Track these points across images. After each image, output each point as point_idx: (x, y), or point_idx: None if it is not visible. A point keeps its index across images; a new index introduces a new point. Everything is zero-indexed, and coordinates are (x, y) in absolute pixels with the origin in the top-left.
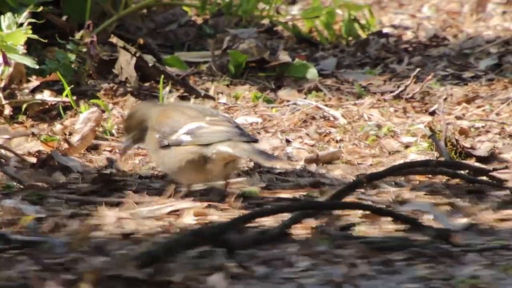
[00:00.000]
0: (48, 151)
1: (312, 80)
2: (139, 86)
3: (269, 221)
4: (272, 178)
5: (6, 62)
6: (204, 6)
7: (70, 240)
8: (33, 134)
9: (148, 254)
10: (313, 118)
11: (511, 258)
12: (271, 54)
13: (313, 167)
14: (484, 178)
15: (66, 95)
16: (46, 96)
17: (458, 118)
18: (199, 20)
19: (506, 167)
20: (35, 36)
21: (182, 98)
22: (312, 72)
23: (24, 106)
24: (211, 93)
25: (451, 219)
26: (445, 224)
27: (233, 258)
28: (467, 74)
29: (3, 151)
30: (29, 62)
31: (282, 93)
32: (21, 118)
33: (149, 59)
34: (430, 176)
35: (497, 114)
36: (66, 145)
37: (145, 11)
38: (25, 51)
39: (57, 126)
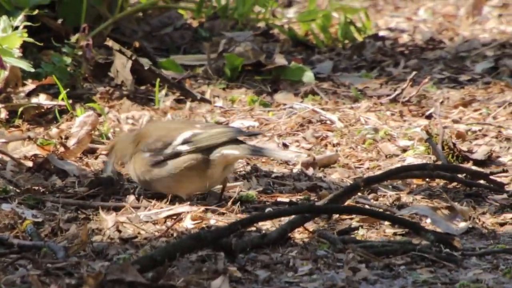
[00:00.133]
0: (44, 155)
1: (308, 84)
2: (135, 90)
3: (267, 225)
4: (269, 182)
5: (2, 66)
6: (199, 9)
7: (69, 245)
8: (29, 138)
9: (149, 258)
10: (310, 121)
11: None
12: (267, 57)
13: (310, 171)
14: (482, 181)
15: (62, 99)
16: (42, 99)
17: (455, 121)
18: (195, 23)
19: (504, 171)
20: (30, 40)
21: (178, 101)
22: (308, 76)
23: (20, 109)
24: (207, 96)
25: (449, 223)
26: (443, 228)
27: (234, 262)
28: (463, 77)
29: None
30: (25, 65)
31: (279, 97)
32: (17, 122)
33: (145, 62)
34: (427, 179)
35: (494, 117)
36: (62, 149)
37: (140, 14)
38: (20, 54)
39: (53, 130)
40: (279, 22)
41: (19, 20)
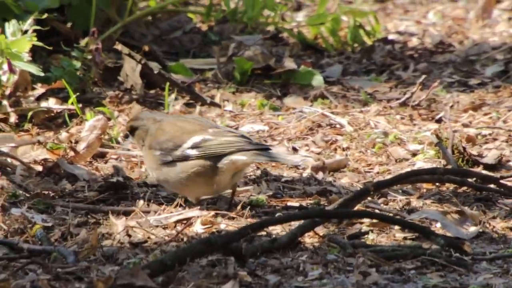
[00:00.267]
0: (54, 159)
1: (318, 87)
2: (144, 94)
3: (277, 230)
4: (279, 186)
5: (11, 70)
6: (209, 13)
7: (79, 249)
8: (39, 142)
9: (159, 263)
10: (319, 125)
11: None
12: (277, 61)
13: (320, 175)
14: (492, 186)
15: (72, 103)
16: (52, 103)
17: (465, 125)
18: (204, 27)
19: None
20: (40, 43)
21: (187, 105)
22: (318, 79)
23: (30, 114)
24: (217, 100)
25: (460, 227)
26: (453, 233)
27: (244, 267)
28: (473, 81)
29: (9, 160)
30: (34, 69)
31: (288, 101)
32: (27, 126)
33: (155, 66)
34: (437, 184)
35: (504, 121)
36: (72, 153)
37: (150, 18)
38: (30, 58)
39: (63, 134)
40: (288, 26)
41: (29, 24)
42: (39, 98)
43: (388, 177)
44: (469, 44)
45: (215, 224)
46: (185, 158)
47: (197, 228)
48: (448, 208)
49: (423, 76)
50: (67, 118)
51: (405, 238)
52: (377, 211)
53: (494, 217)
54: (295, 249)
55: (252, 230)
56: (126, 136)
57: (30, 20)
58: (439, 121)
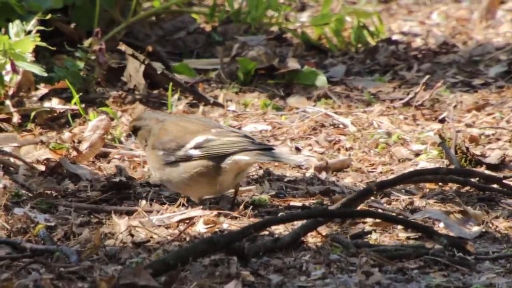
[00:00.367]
0: (57, 159)
1: (321, 88)
2: (147, 94)
3: (280, 229)
4: (282, 186)
5: (15, 70)
6: (213, 14)
7: (82, 249)
8: (42, 142)
9: (161, 262)
10: (323, 125)
11: None
12: (280, 61)
13: (323, 175)
14: (495, 185)
15: (75, 103)
16: (55, 104)
17: (468, 125)
18: (208, 28)
19: None
20: (43, 44)
21: (191, 105)
22: (321, 79)
23: (33, 114)
24: (220, 100)
25: (463, 227)
26: (456, 232)
27: (247, 267)
28: (476, 81)
29: (12, 159)
30: (38, 69)
31: (291, 101)
32: (30, 126)
33: (158, 66)
34: (440, 184)
35: (507, 121)
36: (75, 153)
37: (153, 18)
38: (33, 58)
39: (66, 134)
40: (292, 26)
41: (32, 24)
42: (42, 98)
43: (391, 177)
44: (473, 44)
45: (218, 224)
46: (188, 158)
47: (200, 228)
48: (451, 208)
49: (427, 77)
50: (70, 118)
51: (408, 238)
52: (380, 210)
53: (497, 217)
54: (297, 249)
55: (255, 229)
56: (129, 136)
57: (33, 21)
58: (442, 121)
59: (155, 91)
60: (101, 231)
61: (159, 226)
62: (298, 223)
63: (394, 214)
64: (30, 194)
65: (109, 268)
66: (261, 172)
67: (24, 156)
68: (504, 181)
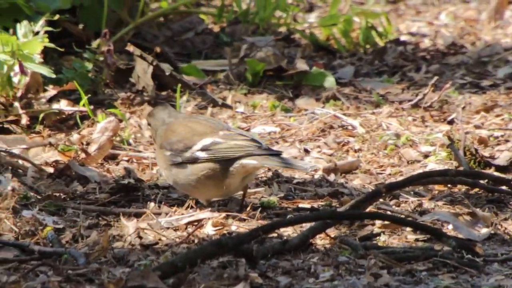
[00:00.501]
0: (65, 161)
1: (330, 89)
2: (156, 95)
3: (288, 231)
4: (290, 188)
5: (23, 71)
6: (221, 14)
7: (90, 251)
8: (50, 144)
9: (170, 265)
10: (331, 127)
11: None
12: (289, 62)
13: (331, 177)
14: (504, 187)
15: (83, 105)
16: (63, 105)
17: (477, 127)
18: (216, 28)
19: None
20: (51, 45)
21: (199, 107)
22: (330, 81)
23: (41, 115)
24: (228, 102)
25: (471, 229)
26: (465, 234)
27: (255, 269)
28: (485, 83)
29: (20, 161)
30: (46, 71)
31: (300, 102)
32: (38, 127)
33: (166, 67)
34: (449, 185)
35: None
36: (83, 155)
37: (161, 19)
38: (41, 60)
39: (74, 136)
40: (300, 27)
41: (40, 25)
42: (50, 100)
43: (400, 178)
44: (481, 45)
45: (226, 226)
46: (195, 160)
47: (208, 230)
48: (460, 210)
49: (435, 78)
50: (78, 120)
51: (416, 240)
52: (388, 212)
53: (505, 219)
54: (306, 251)
55: (263, 231)
56: (149, 125)
57: (41, 21)
58: (451, 122)
59: (164, 93)
60: (109, 233)
61: (168, 228)
62: (306, 225)
63: (402, 216)
64: (39, 197)
65: (117, 271)
66: (269, 174)
67: (32, 158)
68: None
